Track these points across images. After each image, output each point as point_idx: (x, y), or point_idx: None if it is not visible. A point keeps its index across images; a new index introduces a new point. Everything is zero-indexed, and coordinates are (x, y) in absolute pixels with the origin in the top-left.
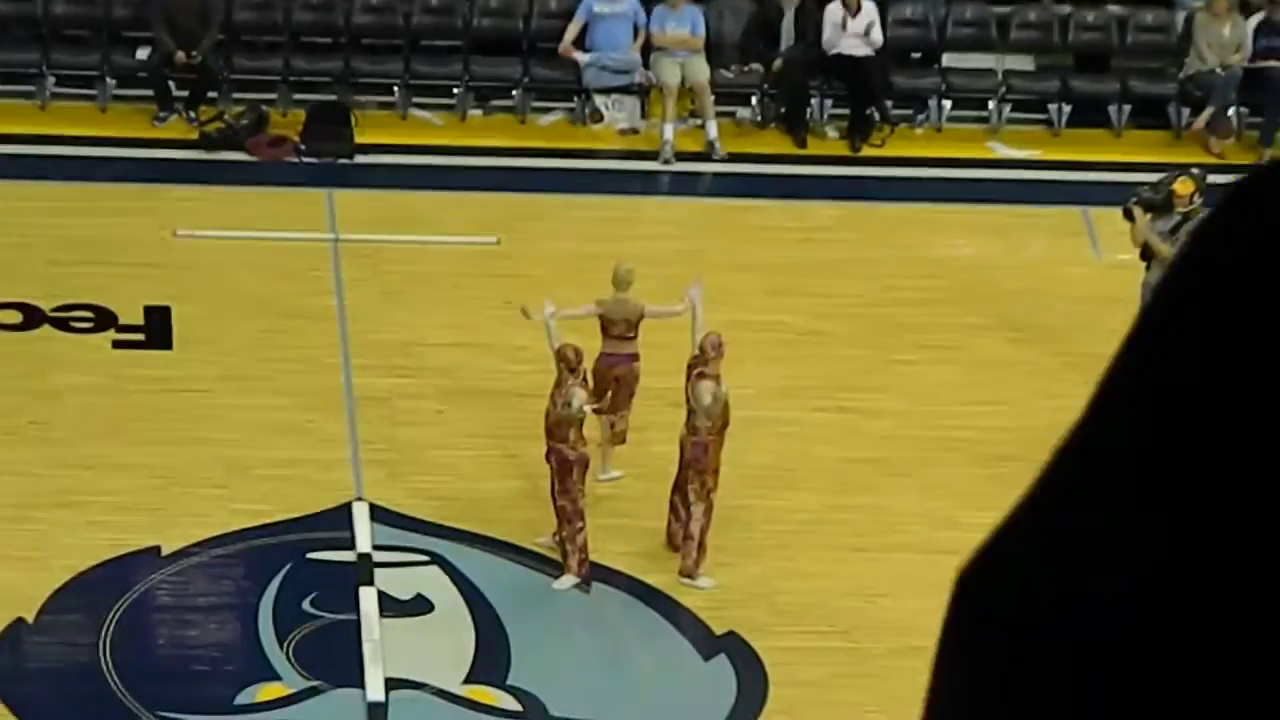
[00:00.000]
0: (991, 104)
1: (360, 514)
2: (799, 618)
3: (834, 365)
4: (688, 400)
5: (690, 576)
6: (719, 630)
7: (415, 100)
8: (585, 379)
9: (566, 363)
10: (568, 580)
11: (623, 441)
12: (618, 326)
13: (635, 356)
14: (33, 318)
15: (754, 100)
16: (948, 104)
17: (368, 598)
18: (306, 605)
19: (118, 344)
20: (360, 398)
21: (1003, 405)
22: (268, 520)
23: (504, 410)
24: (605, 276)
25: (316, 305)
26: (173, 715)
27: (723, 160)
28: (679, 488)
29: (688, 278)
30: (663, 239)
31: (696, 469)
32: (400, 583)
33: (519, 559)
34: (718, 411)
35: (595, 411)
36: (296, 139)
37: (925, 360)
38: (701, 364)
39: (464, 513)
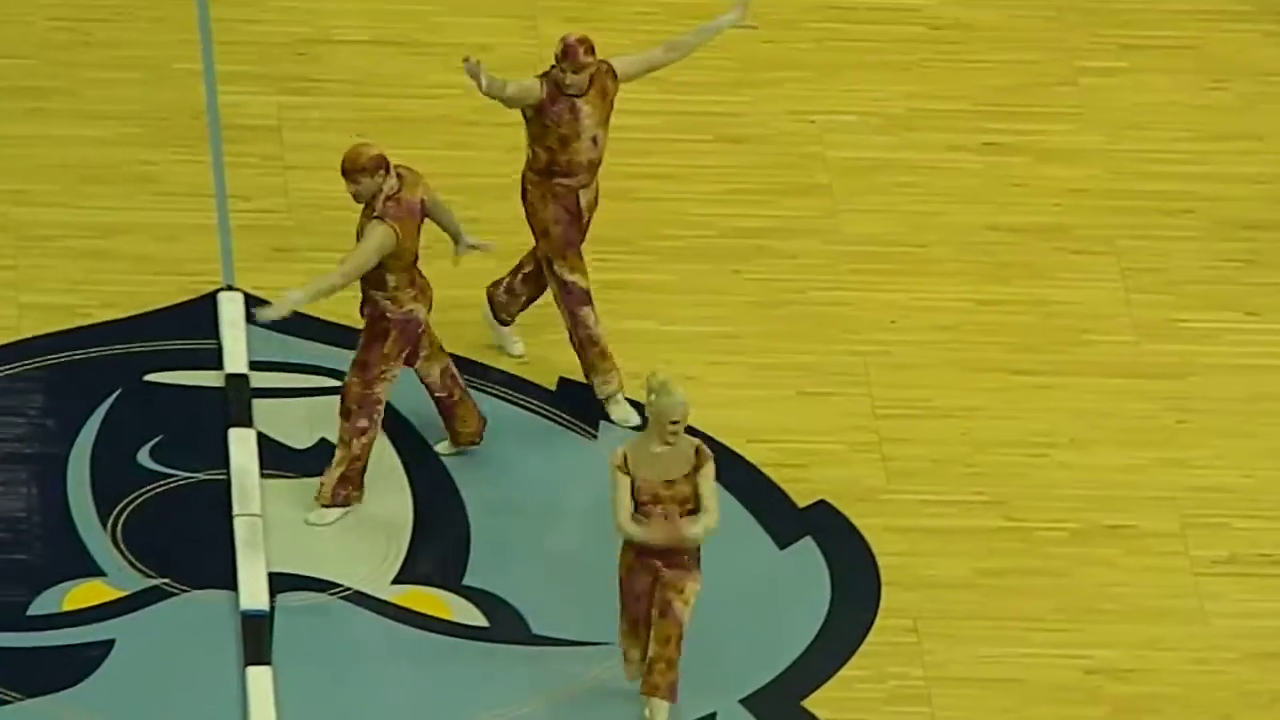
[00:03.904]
0: None
1: (231, 310)
2: (926, 479)
3: (982, 77)
4: None
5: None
6: (802, 500)
7: None
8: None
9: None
10: (331, 514)
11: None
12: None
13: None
14: None
15: None
16: None
17: (242, 446)
18: (144, 458)
19: None
20: (232, 126)
21: (1256, 142)
22: (81, 322)
23: (457, 145)
24: None
25: None
26: None
27: None
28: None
29: None
30: None
31: None
32: (294, 422)
33: (481, 381)
34: None
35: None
36: None
37: (1131, 67)
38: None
39: None
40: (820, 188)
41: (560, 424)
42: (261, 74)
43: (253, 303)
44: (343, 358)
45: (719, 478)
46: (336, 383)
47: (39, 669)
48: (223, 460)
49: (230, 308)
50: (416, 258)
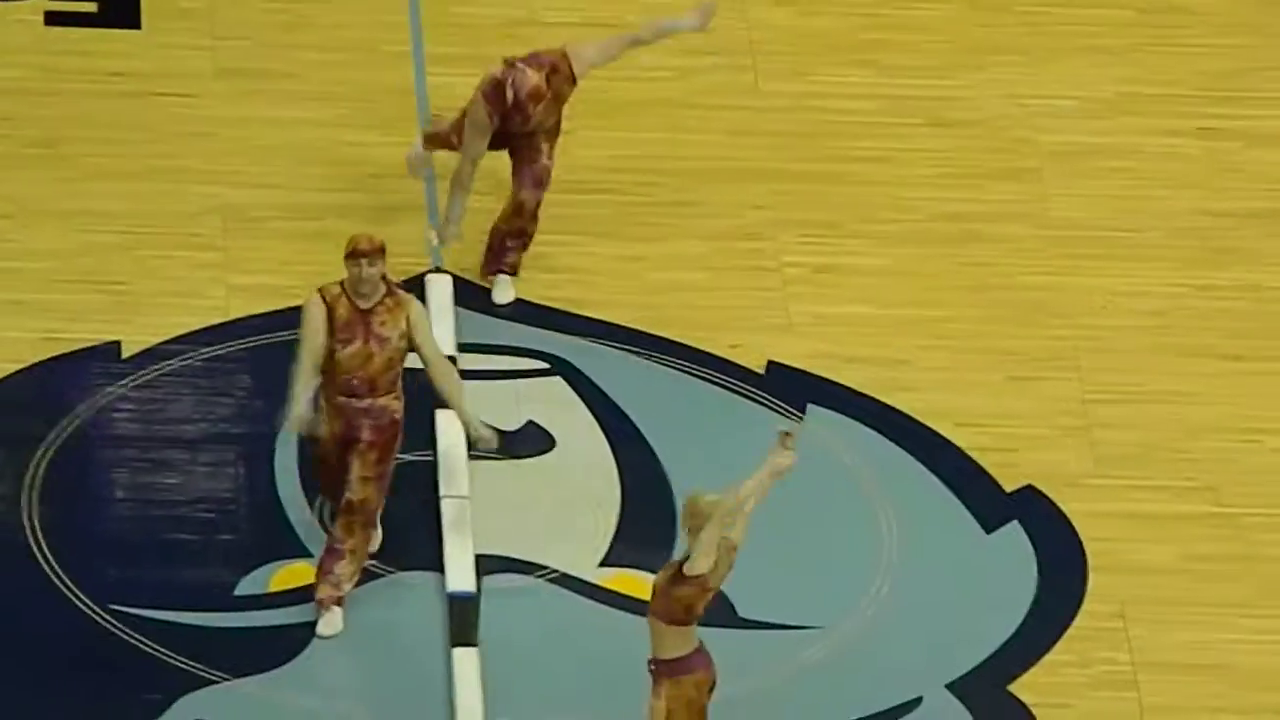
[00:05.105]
0: None
1: (439, 293)
2: (1135, 465)
3: (1196, 62)
4: None
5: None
6: (1009, 485)
7: None
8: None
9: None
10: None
11: None
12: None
13: None
14: None
15: None
16: None
17: (449, 427)
18: None
19: (53, 17)
20: (441, 108)
21: None
22: (288, 304)
23: (672, 128)
24: None
25: None
26: (134, 611)
27: None
28: None
29: None
30: None
31: None
32: (502, 404)
33: (693, 365)
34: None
35: None
36: None
37: None
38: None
39: (604, 291)
40: (1030, 172)
41: (768, 407)
42: (469, 55)
43: (460, 284)
44: (549, 340)
45: (931, 462)
46: (545, 365)
47: (246, 649)
48: (430, 442)
49: (438, 290)
50: None
